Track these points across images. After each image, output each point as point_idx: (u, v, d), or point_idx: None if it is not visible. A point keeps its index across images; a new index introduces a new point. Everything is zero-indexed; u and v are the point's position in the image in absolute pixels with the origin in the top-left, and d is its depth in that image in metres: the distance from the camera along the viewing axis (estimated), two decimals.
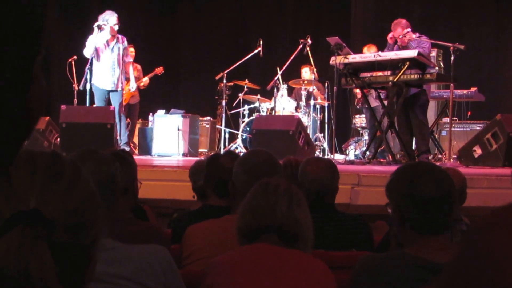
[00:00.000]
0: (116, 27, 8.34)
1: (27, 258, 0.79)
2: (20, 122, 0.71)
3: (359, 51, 8.65)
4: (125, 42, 8.51)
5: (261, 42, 9.71)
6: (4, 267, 0.77)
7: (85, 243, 0.89)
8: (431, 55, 8.17)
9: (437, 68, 7.94)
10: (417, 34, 7.72)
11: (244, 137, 9.73)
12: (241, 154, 7.46)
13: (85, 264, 0.91)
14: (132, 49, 10.22)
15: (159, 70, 10.63)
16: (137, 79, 10.09)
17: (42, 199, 0.84)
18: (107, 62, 8.33)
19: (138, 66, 10.42)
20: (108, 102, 8.40)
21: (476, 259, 0.71)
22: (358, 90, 9.09)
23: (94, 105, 8.46)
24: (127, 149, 8.00)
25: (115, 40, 8.35)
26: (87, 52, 8.30)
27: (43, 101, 0.74)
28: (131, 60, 9.04)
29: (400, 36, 7.65)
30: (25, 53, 0.67)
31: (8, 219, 0.80)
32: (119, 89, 8.42)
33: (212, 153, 8.42)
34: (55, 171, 0.89)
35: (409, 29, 7.71)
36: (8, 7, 0.63)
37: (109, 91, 8.37)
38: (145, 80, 10.35)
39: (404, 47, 7.70)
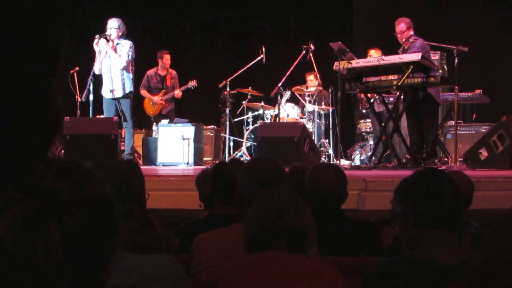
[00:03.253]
0: (112, 33, 8.24)
1: (34, 235, 0.80)
2: (37, 140, 0.72)
3: (362, 55, 8.63)
4: (125, 47, 8.26)
5: (263, 49, 9.70)
6: (8, 241, 0.78)
7: (98, 235, 0.89)
8: (434, 58, 8.15)
9: (440, 71, 7.91)
10: (414, 37, 7.72)
11: (248, 144, 9.72)
12: (246, 162, 7.41)
13: (100, 258, 0.90)
14: (167, 56, 10.08)
15: (192, 83, 10.08)
16: (172, 87, 9.98)
17: (54, 185, 0.87)
18: (104, 70, 8.26)
19: (174, 73, 10.14)
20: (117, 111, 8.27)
21: (501, 252, 0.71)
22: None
23: (102, 116, 8.42)
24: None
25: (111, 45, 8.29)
26: (96, 68, 8.25)
27: (58, 119, 0.76)
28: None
29: (404, 39, 7.67)
30: (43, 75, 0.70)
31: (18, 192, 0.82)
32: (118, 96, 8.23)
33: (218, 161, 8.40)
34: (68, 168, 0.91)
35: (411, 32, 7.70)
36: (30, 33, 0.66)
37: (112, 99, 8.28)
38: (177, 93, 9.97)
39: (407, 49, 7.69)
